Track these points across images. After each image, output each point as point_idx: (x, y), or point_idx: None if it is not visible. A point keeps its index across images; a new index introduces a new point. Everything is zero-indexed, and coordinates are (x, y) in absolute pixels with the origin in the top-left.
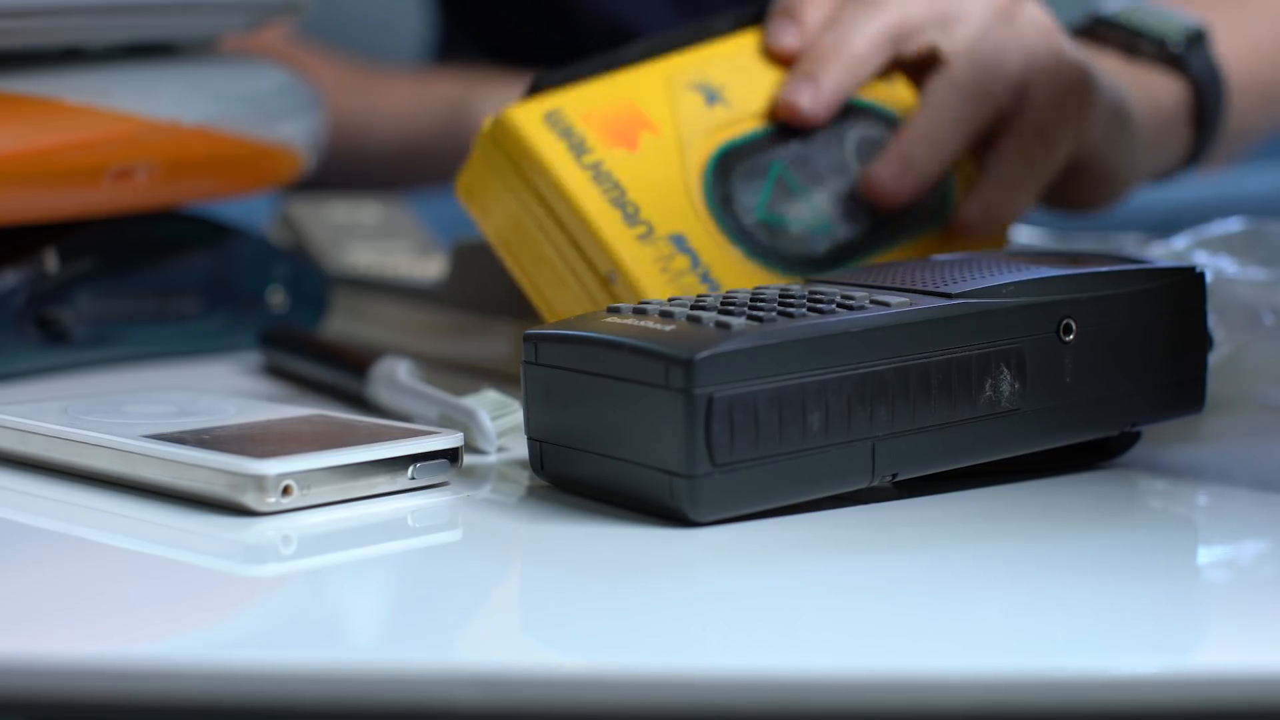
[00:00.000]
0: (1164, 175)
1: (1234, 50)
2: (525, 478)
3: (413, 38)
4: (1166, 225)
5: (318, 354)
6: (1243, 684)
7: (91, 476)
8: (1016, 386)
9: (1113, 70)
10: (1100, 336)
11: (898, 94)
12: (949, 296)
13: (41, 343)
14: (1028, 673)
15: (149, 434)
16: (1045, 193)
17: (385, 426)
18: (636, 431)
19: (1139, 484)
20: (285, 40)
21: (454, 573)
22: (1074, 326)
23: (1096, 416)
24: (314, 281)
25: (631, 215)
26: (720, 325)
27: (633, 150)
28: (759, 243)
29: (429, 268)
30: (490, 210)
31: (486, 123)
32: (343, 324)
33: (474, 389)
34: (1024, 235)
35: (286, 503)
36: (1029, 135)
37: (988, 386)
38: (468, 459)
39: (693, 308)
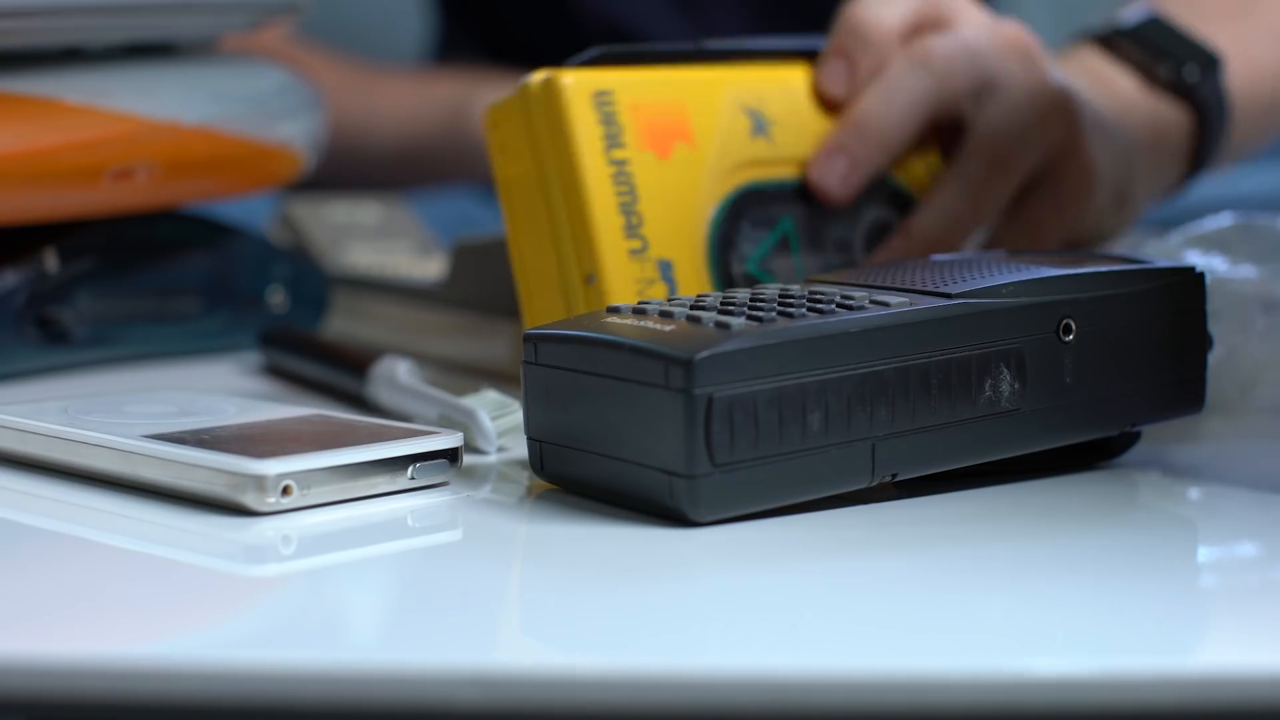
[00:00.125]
0: (1154, 199)
1: (1237, 69)
2: (525, 478)
3: (413, 38)
4: (1165, 225)
5: (318, 354)
6: (1242, 684)
7: (91, 476)
8: (1016, 386)
9: (1129, 98)
10: (1100, 336)
11: (928, 159)
12: (949, 296)
13: (41, 343)
14: (1028, 673)
15: (149, 434)
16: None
17: (385, 426)
18: (636, 431)
19: (1139, 484)
20: (285, 40)
21: (454, 573)
22: (1074, 326)
23: (1096, 416)
24: (314, 281)
25: (634, 226)
26: (720, 325)
27: (662, 158)
28: None
29: (429, 268)
30: (507, 151)
31: (539, 76)
32: (343, 324)
33: (474, 389)
34: None
35: (286, 503)
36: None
37: (987, 386)
38: (468, 459)
39: (693, 308)
